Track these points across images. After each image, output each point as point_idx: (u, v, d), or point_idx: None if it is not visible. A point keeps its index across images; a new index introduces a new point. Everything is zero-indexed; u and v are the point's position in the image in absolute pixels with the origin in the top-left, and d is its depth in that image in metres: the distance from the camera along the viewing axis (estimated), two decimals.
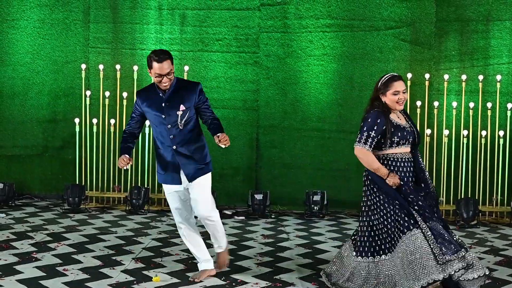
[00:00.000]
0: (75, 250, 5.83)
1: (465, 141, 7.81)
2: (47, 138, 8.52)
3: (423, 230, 4.50)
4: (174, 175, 4.95)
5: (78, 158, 8.09)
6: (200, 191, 4.96)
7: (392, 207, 4.62)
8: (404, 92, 4.73)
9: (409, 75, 7.92)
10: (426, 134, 7.83)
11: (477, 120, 7.87)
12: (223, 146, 4.83)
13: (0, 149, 8.57)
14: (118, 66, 8.11)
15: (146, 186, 8.00)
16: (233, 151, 8.33)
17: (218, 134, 4.85)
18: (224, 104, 8.33)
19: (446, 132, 7.84)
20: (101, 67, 8.12)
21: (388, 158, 4.73)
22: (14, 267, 5.23)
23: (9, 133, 8.53)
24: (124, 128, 5.27)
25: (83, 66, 8.17)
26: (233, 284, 4.98)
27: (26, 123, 8.49)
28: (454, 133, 7.88)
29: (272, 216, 7.84)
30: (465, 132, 7.81)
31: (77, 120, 8.05)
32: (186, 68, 8.11)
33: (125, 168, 4.99)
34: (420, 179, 4.76)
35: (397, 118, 4.76)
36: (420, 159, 4.83)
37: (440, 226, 4.58)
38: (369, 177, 4.73)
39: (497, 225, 7.58)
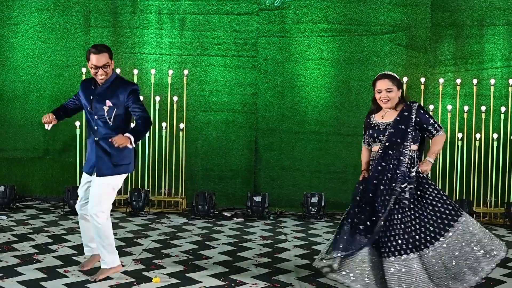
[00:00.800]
0: (76, 252, 5.80)
1: (459, 144, 7.84)
2: (48, 141, 8.50)
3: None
4: (90, 165, 4.98)
5: (78, 161, 8.05)
6: (98, 187, 4.93)
7: None
8: (389, 91, 4.75)
9: (405, 79, 7.95)
10: None
11: (471, 123, 7.90)
12: (115, 144, 4.67)
13: (1, 152, 8.56)
14: (118, 70, 8.09)
15: (146, 189, 7.99)
16: (232, 154, 8.37)
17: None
18: (223, 108, 8.34)
19: None
20: None
21: (372, 156, 4.92)
22: (15, 268, 5.21)
23: (10, 136, 8.53)
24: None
25: (84, 70, 8.15)
26: (232, 284, 4.97)
27: (27, 126, 8.49)
28: (449, 136, 7.87)
29: (271, 218, 7.85)
30: (459, 135, 7.84)
31: (77, 123, 8.02)
32: (186, 72, 8.11)
33: (47, 127, 4.95)
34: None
35: (379, 117, 4.84)
36: (391, 161, 4.67)
37: (348, 227, 4.67)
38: None
39: (491, 226, 7.58)
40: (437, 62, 8.14)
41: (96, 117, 4.91)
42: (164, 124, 8.03)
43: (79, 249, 5.90)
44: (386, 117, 4.80)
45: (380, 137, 4.76)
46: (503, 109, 7.78)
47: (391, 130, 4.72)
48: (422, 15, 8.10)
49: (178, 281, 5.00)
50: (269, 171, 8.35)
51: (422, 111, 4.76)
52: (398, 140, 4.70)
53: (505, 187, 7.79)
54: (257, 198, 7.81)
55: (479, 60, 8.08)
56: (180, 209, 8.03)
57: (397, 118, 4.74)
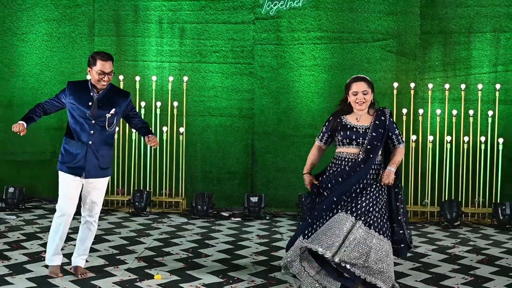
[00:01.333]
0: None
1: (448, 147, 7.85)
2: (55, 145, 8.50)
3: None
4: (79, 168, 4.87)
5: None
6: (99, 194, 5.00)
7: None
8: (365, 93, 4.73)
9: (396, 84, 7.97)
10: (412, 140, 7.88)
11: (459, 126, 7.91)
12: (152, 146, 5.03)
13: (11, 155, 8.60)
14: (121, 77, 8.14)
15: (148, 190, 8.04)
16: (230, 156, 8.37)
17: (148, 135, 5.00)
18: (221, 112, 8.37)
19: (430, 138, 7.88)
20: None
21: (335, 156, 4.83)
22: (24, 266, 5.27)
23: (19, 140, 8.41)
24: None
25: (88, 77, 8.11)
26: (230, 281, 5.01)
27: (35, 130, 8.41)
28: (438, 139, 7.91)
29: (267, 218, 7.88)
30: (448, 138, 7.85)
31: None
32: (185, 78, 8.13)
33: (16, 130, 4.77)
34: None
35: (353, 119, 4.78)
36: (370, 165, 4.69)
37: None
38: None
39: (479, 226, 7.64)
40: (426, 68, 8.13)
41: (93, 121, 4.86)
42: (165, 128, 8.07)
43: None
44: (361, 120, 4.76)
45: (359, 140, 4.71)
46: (490, 113, 7.79)
47: (373, 134, 4.69)
48: (411, 23, 8.09)
49: (179, 278, 5.04)
50: (265, 173, 8.36)
51: (392, 119, 4.80)
52: (378, 144, 4.71)
53: (493, 188, 7.79)
54: (254, 199, 7.84)
55: (467, 66, 8.08)
56: (180, 209, 8.06)
57: (376, 122, 4.73)
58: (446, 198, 7.83)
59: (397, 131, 4.83)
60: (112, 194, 8.18)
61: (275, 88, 8.33)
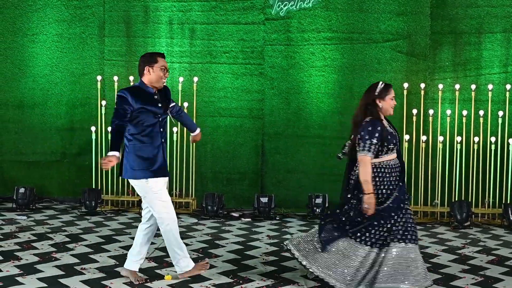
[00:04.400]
0: (92, 250, 5.89)
1: (458, 147, 7.83)
2: (65, 145, 8.57)
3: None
4: (164, 168, 4.86)
5: (94, 164, 8.12)
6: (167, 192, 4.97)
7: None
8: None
9: (406, 85, 7.94)
10: (422, 140, 7.86)
11: (470, 127, 7.88)
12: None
13: (21, 155, 8.63)
14: (131, 78, 8.15)
15: None
16: (240, 157, 8.37)
17: (196, 133, 5.24)
18: (231, 113, 8.37)
19: (440, 138, 7.85)
20: (115, 78, 8.16)
21: (383, 165, 4.75)
22: (35, 266, 5.30)
23: (29, 140, 8.58)
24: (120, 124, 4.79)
25: (99, 77, 8.21)
26: (240, 281, 5.02)
27: (46, 131, 8.55)
28: (448, 139, 7.88)
29: (277, 218, 7.88)
30: (458, 139, 7.82)
31: (93, 128, 8.10)
32: (196, 79, 8.14)
33: (105, 168, 4.62)
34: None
35: (387, 124, 4.87)
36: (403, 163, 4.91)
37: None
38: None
39: (489, 226, 7.59)
40: (436, 68, 8.10)
41: (161, 119, 4.85)
42: (175, 129, 8.07)
43: (95, 247, 5.99)
44: (386, 124, 4.86)
45: (397, 144, 4.82)
46: (500, 113, 7.76)
47: (399, 136, 4.91)
48: (422, 24, 8.06)
49: (189, 278, 5.04)
50: (275, 174, 8.35)
51: None
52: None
53: (503, 189, 7.75)
54: (264, 199, 7.84)
55: (477, 66, 8.04)
56: (190, 210, 8.07)
57: (392, 125, 4.90)
58: (456, 199, 7.80)
59: None
60: (122, 194, 8.21)
61: (285, 88, 8.32)
